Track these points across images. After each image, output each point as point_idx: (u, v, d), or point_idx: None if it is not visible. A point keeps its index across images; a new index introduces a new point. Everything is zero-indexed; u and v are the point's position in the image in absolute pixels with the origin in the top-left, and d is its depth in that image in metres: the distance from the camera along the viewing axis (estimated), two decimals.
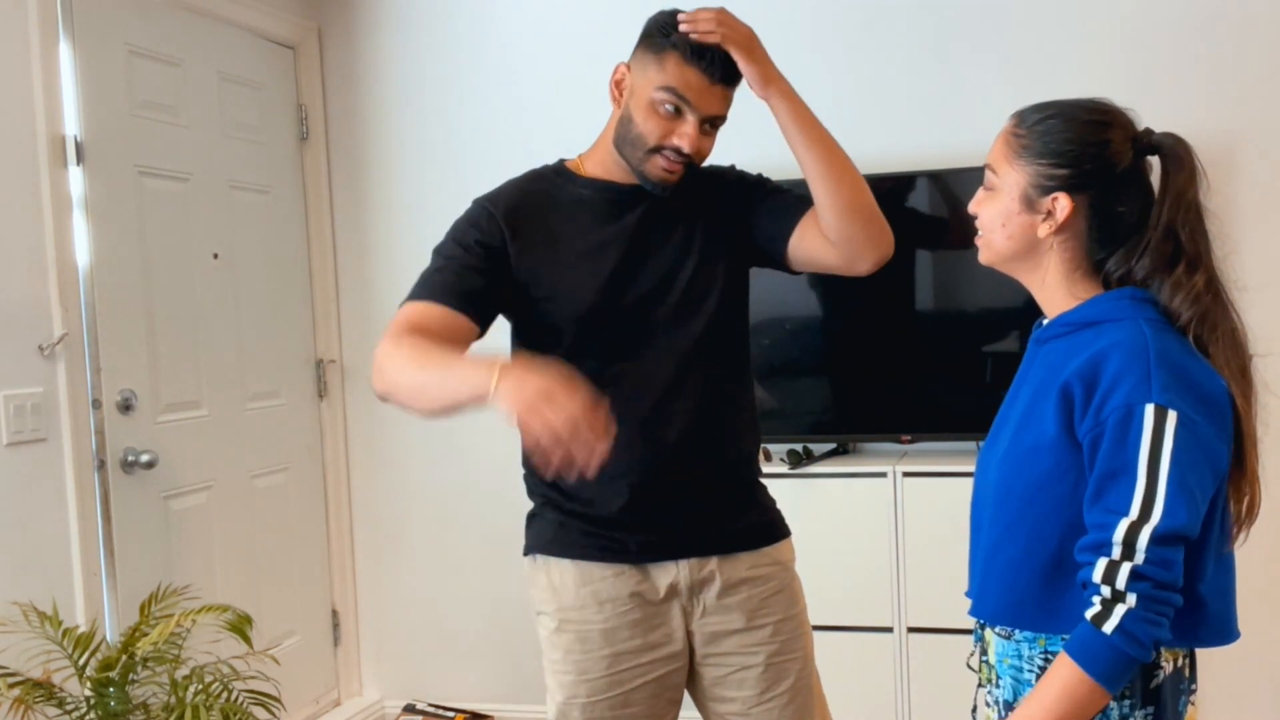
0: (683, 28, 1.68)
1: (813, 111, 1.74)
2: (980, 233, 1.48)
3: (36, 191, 2.65)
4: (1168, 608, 1.28)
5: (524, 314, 1.81)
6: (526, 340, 1.82)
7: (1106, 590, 1.27)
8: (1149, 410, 1.28)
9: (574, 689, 1.80)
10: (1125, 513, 1.28)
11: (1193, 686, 1.42)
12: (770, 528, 1.89)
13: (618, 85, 1.78)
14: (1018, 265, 1.47)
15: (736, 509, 1.85)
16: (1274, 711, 3.03)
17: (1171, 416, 1.28)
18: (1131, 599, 1.26)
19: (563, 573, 1.81)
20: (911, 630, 3.01)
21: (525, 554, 1.88)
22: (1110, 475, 1.30)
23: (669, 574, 1.79)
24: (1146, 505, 1.27)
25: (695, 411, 1.78)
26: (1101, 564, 1.28)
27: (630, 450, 1.71)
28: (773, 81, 1.71)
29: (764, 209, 1.85)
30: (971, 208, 1.49)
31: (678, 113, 1.71)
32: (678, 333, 1.78)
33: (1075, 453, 1.34)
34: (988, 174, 1.46)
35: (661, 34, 1.71)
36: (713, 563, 1.80)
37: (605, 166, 1.82)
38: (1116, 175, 1.39)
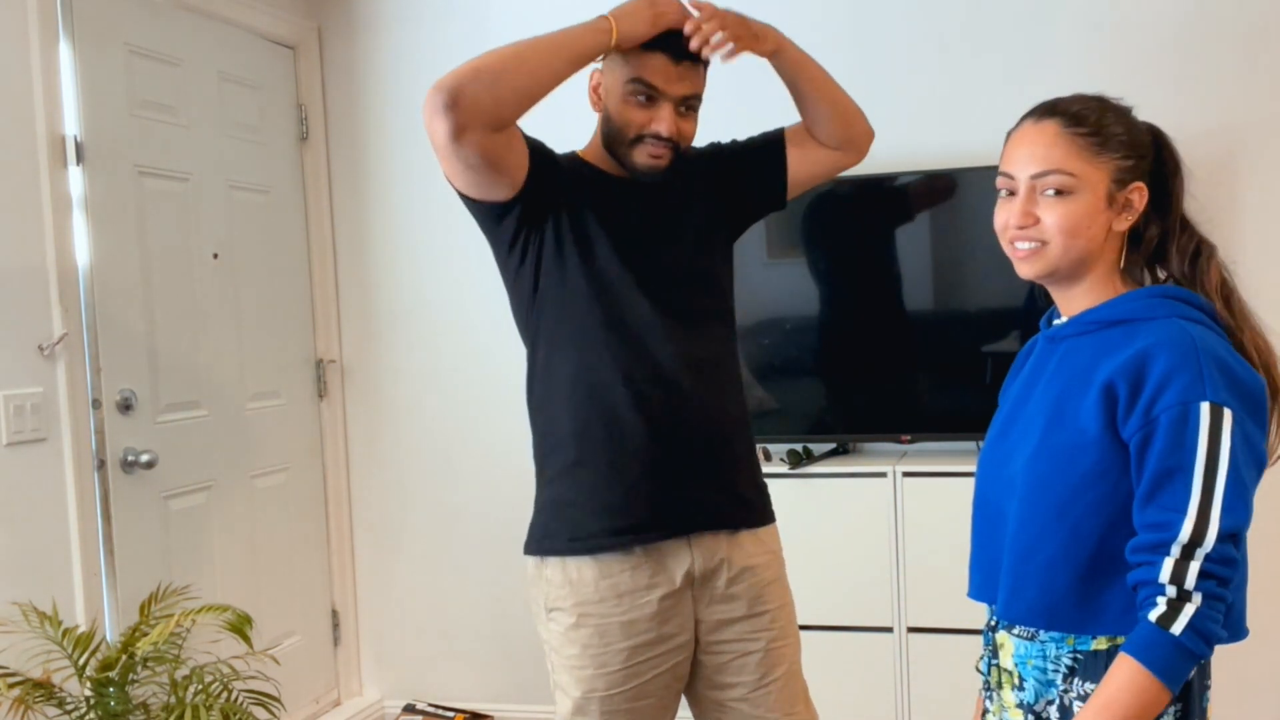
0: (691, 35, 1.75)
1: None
2: (1043, 241, 1.38)
3: (36, 191, 2.65)
4: (1225, 605, 1.28)
5: (534, 273, 1.82)
6: (531, 307, 1.84)
7: (1173, 590, 1.26)
8: (1205, 409, 1.28)
9: (592, 683, 1.81)
10: (1184, 511, 1.27)
11: (1208, 683, 1.42)
12: (765, 509, 1.94)
13: (595, 91, 1.84)
14: (1075, 268, 1.41)
15: (738, 472, 1.88)
16: (1276, 710, 3.03)
17: (1228, 415, 1.28)
18: (1198, 598, 1.26)
19: (580, 568, 1.81)
20: (911, 630, 3.00)
21: (533, 553, 1.87)
22: (1166, 474, 1.29)
23: (683, 562, 1.82)
24: (1205, 503, 1.27)
25: (704, 365, 1.84)
26: (1167, 564, 1.27)
27: (648, 397, 1.79)
28: (769, 39, 1.85)
29: (741, 164, 1.94)
30: (1021, 219, 1.39)
31: (651, 100, 1.76)
32: (687, 301, 1.85)
33: (1118, 451, 1.33)
34: (1058, 178, 1.36)
35: None
36: (722, 549, 1.84)
37: (604, 163, 1.87)
38: (1156, 160, 1.43)
